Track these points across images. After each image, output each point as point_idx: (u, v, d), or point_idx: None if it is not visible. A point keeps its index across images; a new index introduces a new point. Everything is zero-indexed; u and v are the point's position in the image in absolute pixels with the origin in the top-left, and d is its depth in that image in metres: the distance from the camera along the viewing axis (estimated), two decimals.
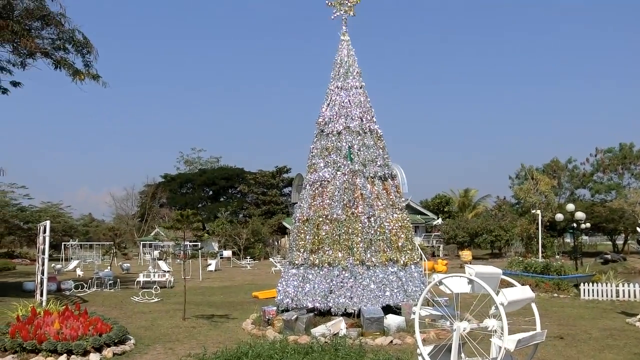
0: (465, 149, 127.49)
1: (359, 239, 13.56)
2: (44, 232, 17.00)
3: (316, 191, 14.45)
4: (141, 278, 25.16)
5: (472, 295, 6.23)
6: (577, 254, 31.02)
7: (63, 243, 46.79)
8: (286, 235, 53.58)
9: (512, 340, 5.49)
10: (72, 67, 21.56)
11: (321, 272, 13.57)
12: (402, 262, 13.86)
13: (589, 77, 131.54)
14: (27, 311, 12.49)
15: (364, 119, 14.88)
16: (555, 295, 20.31)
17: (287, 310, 13.60)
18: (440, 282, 6.03)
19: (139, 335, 12.81)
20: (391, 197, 14.57)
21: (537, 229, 33.68)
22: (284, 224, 56.60)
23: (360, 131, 14.70)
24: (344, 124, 14.65)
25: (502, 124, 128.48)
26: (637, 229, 25.51)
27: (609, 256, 39.09)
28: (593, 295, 19.50)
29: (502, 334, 5.65)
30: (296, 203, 16.05)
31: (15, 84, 22.56)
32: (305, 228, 14.27)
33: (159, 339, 12.69)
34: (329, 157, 14.55)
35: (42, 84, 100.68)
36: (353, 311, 12.98)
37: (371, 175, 14.39)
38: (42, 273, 16.68)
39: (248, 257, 46.49)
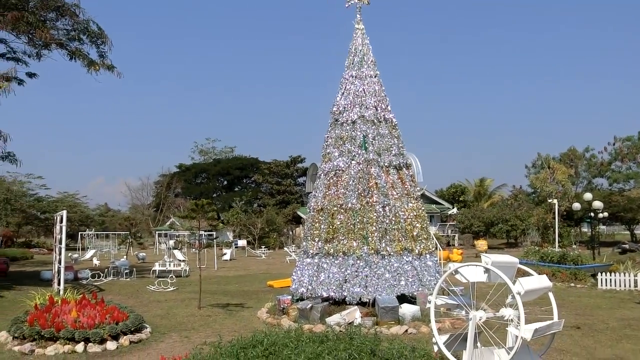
0: (481, 138, 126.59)
1: (374, 228, 13.52)
2: (61, 221, 17.15)
3: (331, 180, 14.42)
4: (157, 267, 25.38)
5: (487, 285, 6.18)
6: (595, 243, 30.67)
7: (80, 233, 47.27)
8: (300, 225, 53.67)
9: (529, 329, 5.43)
10: (86, 57, 21.65)
11: (336, 262, 13.56)
12: (417, 251, 13.81)
13: (607, 65, 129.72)
14: (44, 300, 12.64)
15: (378, 108, 14.80)
16: (572, 285, 20.16)
17: (301, 299, 13.63)
18: (456, 271, 5.98)
19: (155, 324, 12.92)
20: (406, 186, 14.49)
21: (554, 218, 33.36)
22: (299, 213, 56.71)
23: (375, 120, 14.62)
24: (359, 113, 14.57)
25: (518, 112, 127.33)
26: None
27: (627, 246, 38.62)
28: (610, 285, 19.31)
29: (518, 323, 5.60)
30: (310, 192, 16.04)
31: (30, 75, 22.71)
32: (319, 217, 14.26)
33: (174, 327, 12.79)
34: (343, 147, 14.50)
35: (56, 76, 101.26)
36: (368, 300, 12.97)
37: (386, 164, 14.32)
38: (59, 262, 16.85)
39: (263, 247, 46.66)
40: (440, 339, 6.05)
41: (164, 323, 13.30)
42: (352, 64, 15.28)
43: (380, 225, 13.59)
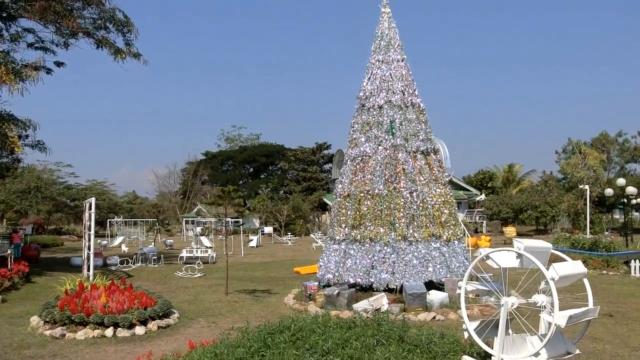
0: (510, 123, 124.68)
1: (401, 214, 13.37)
2: (90, 208, 17.35)
3: (357, 166, 14.29)
4: (184, 254, 25.60)
5: (516, 272, 6.02)
6: (628, 230, 30.00)
7: (108, 220, 47.98)
8: (327, 212, 53.67)
9: (563, 316, 5.27)
10: (113, 46, 21.75)
11: (363, 248, 13.47)
12: (445, 237, 13.63)
13: (638, 48, 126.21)
14: (74, 285, 12.82)
15: (405, 93, 14.58)
16: (604, 272, 19.76)
17: (328, 285, 13.59)
18: (487, 257, 5.83)
19: (183, 309, 13.02)
20: (434, 171, 14.29)
21: (585, 204, 32.72)
22: (325, 200, 56.70)
23: (402, 105, 14.41)
24: (386, 98, 14.38)
25: (548, 97, 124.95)
26: None
27: None
28: None
29: (552, 309, 5.45)
30: (337, 179, 15.93)
31: (58, 64, 22.92)
32: (346, 203, 14.16)
33: (202, 313, 12.87)
34: (370, 132, 14.34)
35: (85, 64, 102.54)
36: (395, 287, 12.87)
37: (413, 149, 14.12)
38: (89, 249, 17.08)
39: (289, 233, 46.80)
40: (471, 326, 5.93)
41: (192, 308, 13.39)
42: (379, 48, 15.06)
43: (407, 212, 13.44)
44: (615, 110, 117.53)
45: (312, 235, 42.79)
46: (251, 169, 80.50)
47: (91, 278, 15.56)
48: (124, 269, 22.63)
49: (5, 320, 11.90)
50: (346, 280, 13.32)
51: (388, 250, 13.19)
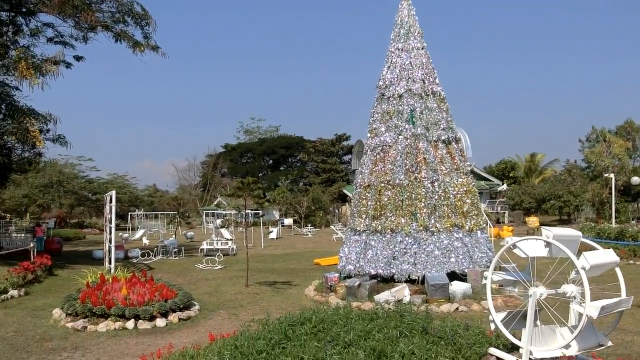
0: (531, 111, 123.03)
1: (423, 204, 13.17)
2: (110, 201, 17.44)
3: (377, 156, 14.10)
4: (205, 246, 25.67)
5: (540, 262, 5.80)
6: None
7: (129, 213, 48.34)
8: (346, 203, 53.48)
9: (595, 307, 5.06)
10: (131, 39, 21.82)
11: (384, 239, 13.31)
12: (467, 227, 13.41)
13: None
14: (96, 278, 12.88)
15: (426, 81, 14.34)
16: (631, 262, 19.38)
17: (349, 276, 13.46)
18: (514, 246, 5.62)
19: (203, 301, 13.00)
20: (455, 161, 14.05)
21: (610, 193, 32.11)
22: (344, 191, 56.51)
23: (423, 93, 14.18)
24: (406, 87, 14.16)
25: (570, 84, 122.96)
26: None
27: None
28: None
29: (582, 300, 5.24)
30: (356, 170, 15.76)
31: (78, 58, 23.04)
32: (366, 194, 13.99)
33: (222, 304, 12.84)
34: (390, 121, 14.13)
35: (103, 57, 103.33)
36: (417, 278, 12.71)
37: (434, 138, 13.90)
38: (110, 242, 17.17)
39: (309, 225, 46.72)
40: (498, 317, 5.74)
41: (212, 300, 13.37)
42: (398, 36, 14.82)
43: (429, 201, 13.24)
44: None
45: (332, 226, 42.67)
46: (270, 161, 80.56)
47: (112, 271, 15.63)
48: (145, 262, 22.75)
49: (29, 313, 11.99)
50: (367, 272, 13.18)
51: (409, 240, 13.02)
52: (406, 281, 12.71)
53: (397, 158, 13.64)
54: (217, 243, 26.24)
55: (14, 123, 19.86)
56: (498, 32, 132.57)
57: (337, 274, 13.84)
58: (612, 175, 31.63)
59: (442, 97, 14.51)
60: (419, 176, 13.34)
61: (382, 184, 13.62)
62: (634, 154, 51.08)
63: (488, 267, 12.90)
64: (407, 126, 13.85)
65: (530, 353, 5.43)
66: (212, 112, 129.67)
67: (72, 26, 21.92)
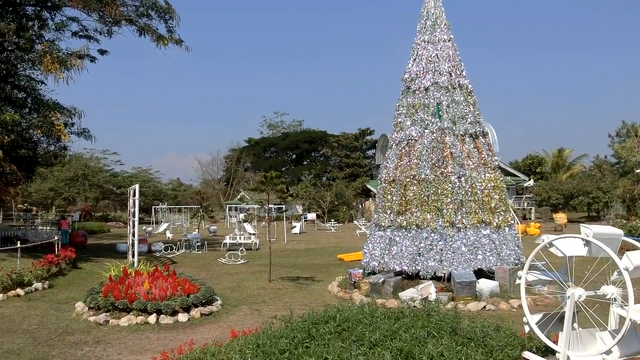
0: (560, 106, 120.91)
1: (449, 199, 12.86)
2: (134, 195, 17.43)
3: (403, 151, 13.81)
4: (227, 240, 25.59)
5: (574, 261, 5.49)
6: None
7: (153, 207, 48.66)
8: (370, 198, 53.12)
9: (639, 310, 4.75)
10: (155, 33, 21.75)
11: (409, 235, 13.03)
12: (495, 224, 13.04)
13: None
14: (119, 271, 12.82)
15: (453, 74, 13.98)
16: None
17: (373, 273, 13.22)
18: (551, 244, 5.33)
19: (226, 296, 12.87)
20: (483, 155, 13.67)
21: None
22: (368, 186, 56.14)
23: (449, 87, 13.83)
24: (432, 80, 13.83)
25: (599, 79, 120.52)
26: None
27: None
28: None
29: (624, 302, 4.93)
30: (380, 165, 15.48)
31: (102, 52, 23.07)
32: (391, 189, 13.72)
33: (245, 300, 12.70)
34: (416, 115, 13.82)
35: (128, 51, 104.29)
36: (442, 275, 12.42)
37: (461, 132, 13.54)
38: (133, 235, 17.17)
39: (332, 220, 46.50)
40: (532, 319, 5.45)
41: (235, 295, 13.24)
42: (424, 28, 14.47)
43: (455, 197, 12.91)
44: None
45: (355, 222, 42.38)
46: (294, 156, 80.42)
47: (135, 264, 15.61)
48: (168, 256, 22.77)
49: (52, 306, 11.99)
50: (392, 268, 12.92)
51: (435, 237, 12.72)
52: (432, 278, 12.43)
53: (423, 152, 13.33)
54: (240, 237, 26.15)
55: (39, 117, 19.95)
56: (528, 28, 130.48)
57: (360, 270, 13.60)
58: None
59: (469, 90, 14.14)
60: (445, 171, 13.03)
61: (408, 179, 13.33)
62: None
63: (516, 264, 12.60)
64: (433, 120, 13.53)
65: (568, 358, 5.14)
66: (235, 107, 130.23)
67: (97, 20, 21.92)
